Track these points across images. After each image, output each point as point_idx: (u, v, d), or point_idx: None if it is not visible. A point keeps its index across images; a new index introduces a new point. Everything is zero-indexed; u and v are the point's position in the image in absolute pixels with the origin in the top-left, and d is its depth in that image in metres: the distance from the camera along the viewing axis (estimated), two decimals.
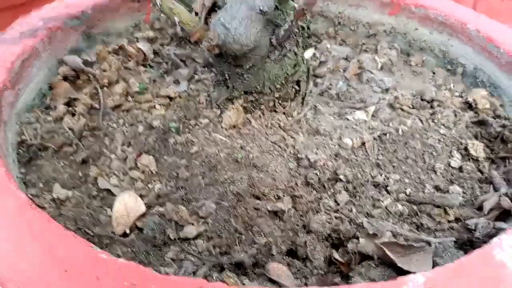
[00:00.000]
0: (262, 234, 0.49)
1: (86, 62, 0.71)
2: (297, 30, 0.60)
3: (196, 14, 0.58)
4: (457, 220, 0.51)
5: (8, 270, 0.37)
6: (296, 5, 0.57)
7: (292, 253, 0.49)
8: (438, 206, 0.52)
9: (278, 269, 0.45)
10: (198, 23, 0.57)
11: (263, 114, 0.62)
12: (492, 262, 0.38)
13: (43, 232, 0.40)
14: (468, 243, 0.48)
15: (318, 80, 0.81)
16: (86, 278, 0.36)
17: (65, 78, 0.69)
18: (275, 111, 0.63)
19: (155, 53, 0.79)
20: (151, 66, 0.73)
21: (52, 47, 0.70)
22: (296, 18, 0.55)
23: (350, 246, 0.48)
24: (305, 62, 0.64)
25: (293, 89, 0.65)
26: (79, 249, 0.39)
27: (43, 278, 0.36)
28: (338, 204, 0.53)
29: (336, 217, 0.52)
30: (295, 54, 0.61)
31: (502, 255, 0.39)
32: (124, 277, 0.36)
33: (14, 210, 0.42)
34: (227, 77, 0.62)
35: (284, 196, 0.54)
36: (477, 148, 0.61)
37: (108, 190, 0.53)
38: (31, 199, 0.44)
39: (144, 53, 0.74)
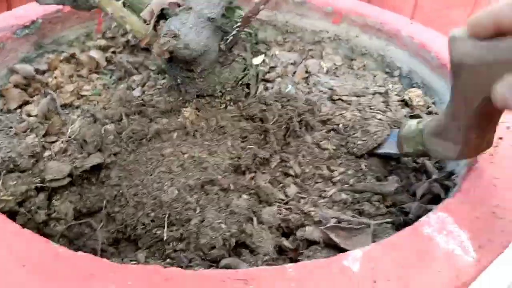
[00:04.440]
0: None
1: (37, 71, 0.72)
2: (244, 36, 0.64)
3: (145, 21, 0.61)
4: (394, 205, 0.56)
5: None
6: (243, 13, 0.61)
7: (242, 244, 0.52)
8: (377, 194, 0.57)
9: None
10: (147, 30, 0.60)
11: (215, 115, 0.65)
12: (421, 236, 0.43)
13: None
14: (403, 225, 0.52)
15: (269, 84, 0.85)
16: (45, 272, 0.38)
17: (16, 87, 0.69)
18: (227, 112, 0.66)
19: (108, 61, 0.80)
20: (104, 74, 0.74)
21: (3, 57, 0.70)
22: (242, 24, 0.59)
23: (299, 234, 0.52)
24: (253, 66, 0.68)
25: (243, 92, 0.68)
26: (36, 245, 0.40)
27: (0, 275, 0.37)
28: (288, 197, 0.57)
29: (286, 209, 0.55)
30: (244, 58, 0.65)
31: (429, 230, 0.44)
32: (83, 268, 0.38)
33: None
34: (180, 82, 0.65)
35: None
36: None
37: None
38: None
39: (96, 61, 0.76)
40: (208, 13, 0.55)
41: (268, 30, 1.02)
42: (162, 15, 0.60)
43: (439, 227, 0.44)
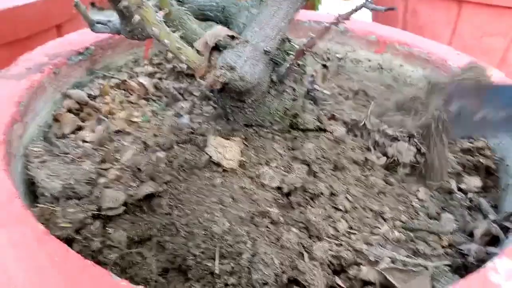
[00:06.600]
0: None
1: (89, 96, 0.74)
2: (295, 68, 0.64)
3: (198, 52, 0.62)
4: (450, 246, 0.54)
5: None
6: (296, 46, 0.61)
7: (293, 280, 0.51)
8: (432, 233, 0.55)
9: None
10: (202, 61, 0.61)
11: (263, 146, 0.65)
12: (489, 284, 0.41)
13: (64, 262, 0.41)
14: (462, 268, 0.51)
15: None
16: None
17: (69, 111, 0.71)
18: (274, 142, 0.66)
19: (155, 87, 0.82)
20: (153, 100, 0.76)
21: (57, 82, 0.72)
22: (296, 58, 0.59)
23: (352, 272, 0.51)
24: (301, 97, 0.68)
25: (290, 122, 0.68)
26: (99, 278, 0.40)
27: None
28: (338, 232, 0.56)
29: (336, 244, 0.54)
30: (294, 89, 0.65)
31: (496, 277, 0.42)
32: None
33: (33, 241, 0.43)
34: (229, 111, 0.66)
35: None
36: (469, 181, 0.65)
37: None
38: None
39: (145, 87, 0.77)
40: (264, 46, 0.55)
41: (308, 57, 1.02)
42: (215, 46, 0.61)
43: (507, 274, 0.42)
